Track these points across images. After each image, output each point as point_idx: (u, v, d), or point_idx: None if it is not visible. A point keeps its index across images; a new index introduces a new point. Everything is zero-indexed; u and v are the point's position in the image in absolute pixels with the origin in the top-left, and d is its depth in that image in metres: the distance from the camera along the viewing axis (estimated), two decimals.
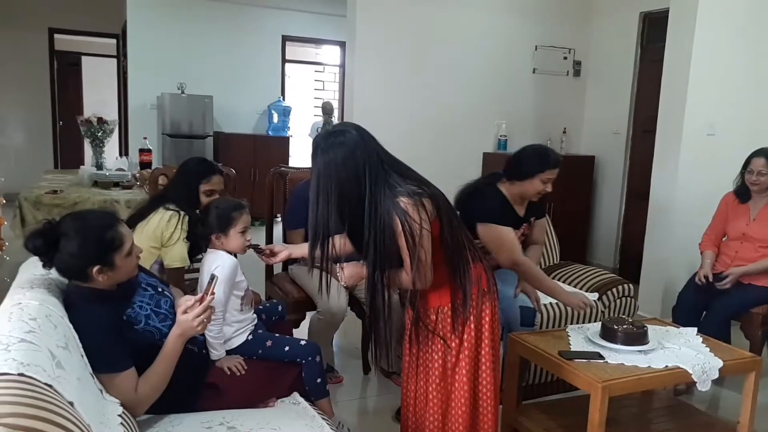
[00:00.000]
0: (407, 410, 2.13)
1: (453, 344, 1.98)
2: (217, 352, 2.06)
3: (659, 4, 4.90)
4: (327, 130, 1.88)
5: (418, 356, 2.06)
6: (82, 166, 4.85)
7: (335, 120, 8.61)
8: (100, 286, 1.71)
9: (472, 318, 1.97)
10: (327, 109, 8.39)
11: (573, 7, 5.65)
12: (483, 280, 2.01)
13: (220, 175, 2.70)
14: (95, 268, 1.66)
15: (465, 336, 1.98)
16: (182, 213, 2.52)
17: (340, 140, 1.82)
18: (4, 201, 5.15)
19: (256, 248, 2.20)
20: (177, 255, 2.52)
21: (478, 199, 2.69)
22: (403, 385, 2.15)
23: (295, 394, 2.06)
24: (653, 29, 5.24)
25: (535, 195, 2.68)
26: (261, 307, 2.38)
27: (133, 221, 2.50)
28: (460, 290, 1.96)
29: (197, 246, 2.47)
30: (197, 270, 2.56)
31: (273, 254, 2.21)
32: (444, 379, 2.00)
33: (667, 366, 2.18)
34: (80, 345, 1.57)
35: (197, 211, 2.54)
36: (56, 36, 8.74)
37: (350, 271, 1.97)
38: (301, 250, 2.19)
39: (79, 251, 1.65)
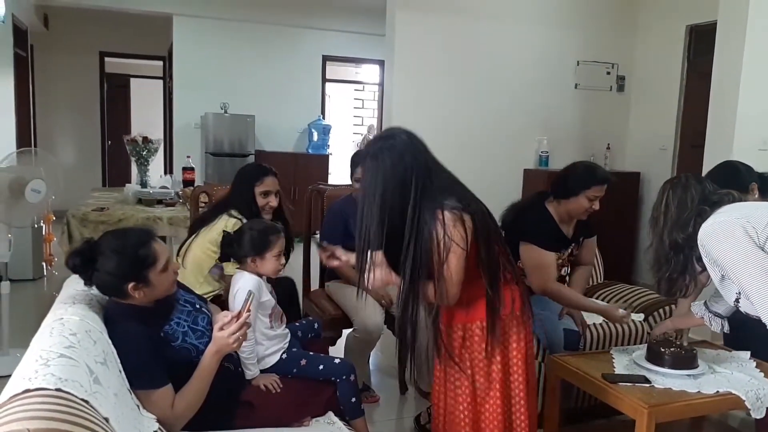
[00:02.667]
0: (438, 426, 2.07)
1: (481, 364, 1.92)
2: (251, 372, 2.06)
3: (706, 16, 4.77)
4: (377, 134, 1.90)
5: (446, 374, 2.00)
6: (127, 184, 4.98)
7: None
8: (138, 303, 1.74)
9: (501, 340, 1.92)
10: (369, 129, 8.68)
11: (616, 21, 5.56)
12: (516, 304, 1.94)
13: (273, 176, 2.77)
14: (130, 285, 1.69)
15: (498, 358, 1.92)
16: (245, 221, 2.54)
17: (389, 144, 1.81)
18: (54, 218, 5.33)
19: (320, 245, 2.14)
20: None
21: (524, 218, 2.65)
22: (434, 401, 2.09)
23: (330, 414, 2.04)
24: (700, 42, 5.10)
25: (582, 213, 2.62)
26: (297, 324, 2.37)
27: (197, 226, 2.57)
28: (492, 309, 1.90)
29: None
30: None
31: (333, 256, 2.07)
32: (474, 401, 1.93)
33: (718, 391, 2.08)
34: (118, 361, 1.59)
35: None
36: (106, 59, 9.08)
37: (378, 276, 1.90)
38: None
39: (114, 269, 1.68)
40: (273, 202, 2.74)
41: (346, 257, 2.07)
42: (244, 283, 2.11)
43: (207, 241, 2.57)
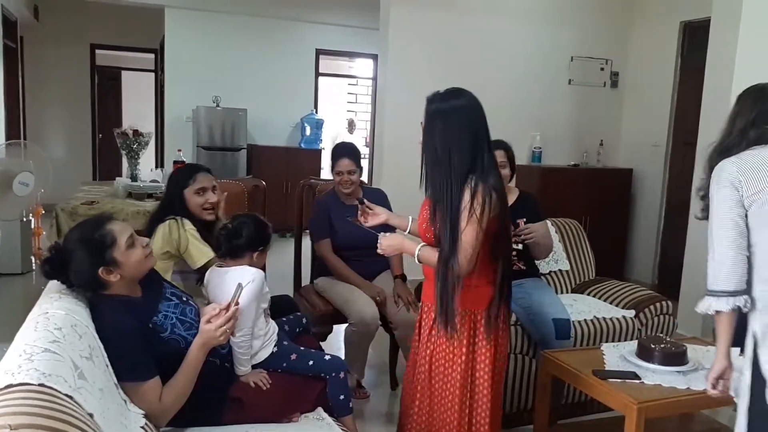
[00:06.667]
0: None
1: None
2: (244, 368, 2.01)
3: (700, 13, 4.78)
4: (439, 92, 2.00)
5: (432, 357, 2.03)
6: (117, 178, 4.94)
7: (355, 134, 8.88)
8: (121, 290, 1.73)
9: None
10: (349, 123, 8.87)
11: (610, 17, 5.56)
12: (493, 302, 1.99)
13: (205, 172, 2.61)
14: (101, 270, 1.68)
15: (464, 350, 1.97)
16: (178, 217, 2.46)
17: (459, 104, 1.95)
18: (44, 211, 5.29)
19: (361, 201, 2.25)
20: (198, 252, 2.43)
21: None
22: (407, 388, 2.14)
23: (319, 410, 2.03)
24: (694, 39, 5.11)
25: None
26: (285, 319, 2.35)
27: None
28: (496, 292, 1.96)
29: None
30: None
31: (373, 214, 2.24)
32: (465, 383, 1.98)
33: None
34: (105, 355, 1.57)
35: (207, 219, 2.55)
36: (97, 51, 9.00)
37: (390, 242, 2.03)
38: (399, 220, 2.24)
39: (79, 261, 1.68)
40: (212, 197, 2.58)
41: (386, 216, 2.24)
42: (253, 278, 2.01)
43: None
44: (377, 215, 2.23)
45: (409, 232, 2.24)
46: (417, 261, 1.99)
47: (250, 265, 2.10)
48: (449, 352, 1.98)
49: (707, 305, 1.72)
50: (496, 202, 1.86)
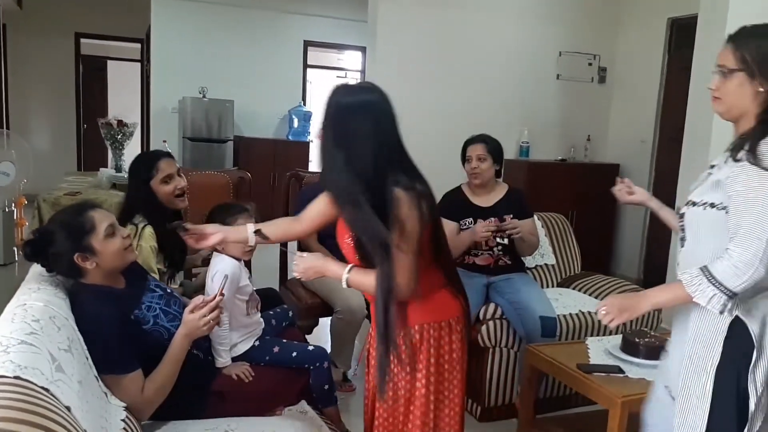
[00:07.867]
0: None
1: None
2: (222, 359, 2.02)
3: (688, 9, 4.79)
4: (347, 84, 1.66)
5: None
6: (102, 168, 4.89)
7: None
8: (100, 280, 1.71)
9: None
10: None
11: (599, 12, 5.56)
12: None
13: (166, 158, 2.42)
14: (76, 256, 1.67)
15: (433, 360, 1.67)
16: (140, 225, 2.27)
17: (372, 98, 1.60)
18: (27, 202, 5.22)
19: (180, 227, 1.84)
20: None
21: None
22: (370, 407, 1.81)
23: (303, 402, 2.01)
24: (681, 35, 5.13)
25: (472, 175, 2.95)
26: (271, 312, 2.34)
27: None
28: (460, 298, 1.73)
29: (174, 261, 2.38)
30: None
31: (203, 236, 1.84)
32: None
33: None
34: (85, 347, 1.55)
35: (176, 210, 2.46)
36: (82, 41, 8.88)
37: (309, 263, 1.69)
38: (237, 234, 1.86)
39: (58, 245, 1.67)
40: (180, 183, 2.39)
41: (220, 235, 1.84)
42: (223, 267, 2.05)
43: None
44: (209, 235, 1.82)
45: (255, 242, 1.87)
46: (345, 285, 1.66)
47: (225, 254, 2.11)
48: (401, 379, 1.66)
49: (718, 303, 1.44)
50: (427, 211, 1.55)
